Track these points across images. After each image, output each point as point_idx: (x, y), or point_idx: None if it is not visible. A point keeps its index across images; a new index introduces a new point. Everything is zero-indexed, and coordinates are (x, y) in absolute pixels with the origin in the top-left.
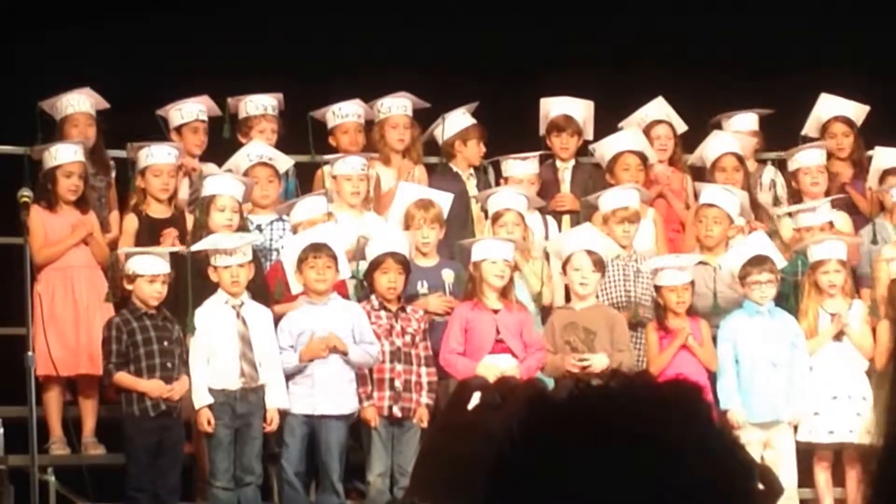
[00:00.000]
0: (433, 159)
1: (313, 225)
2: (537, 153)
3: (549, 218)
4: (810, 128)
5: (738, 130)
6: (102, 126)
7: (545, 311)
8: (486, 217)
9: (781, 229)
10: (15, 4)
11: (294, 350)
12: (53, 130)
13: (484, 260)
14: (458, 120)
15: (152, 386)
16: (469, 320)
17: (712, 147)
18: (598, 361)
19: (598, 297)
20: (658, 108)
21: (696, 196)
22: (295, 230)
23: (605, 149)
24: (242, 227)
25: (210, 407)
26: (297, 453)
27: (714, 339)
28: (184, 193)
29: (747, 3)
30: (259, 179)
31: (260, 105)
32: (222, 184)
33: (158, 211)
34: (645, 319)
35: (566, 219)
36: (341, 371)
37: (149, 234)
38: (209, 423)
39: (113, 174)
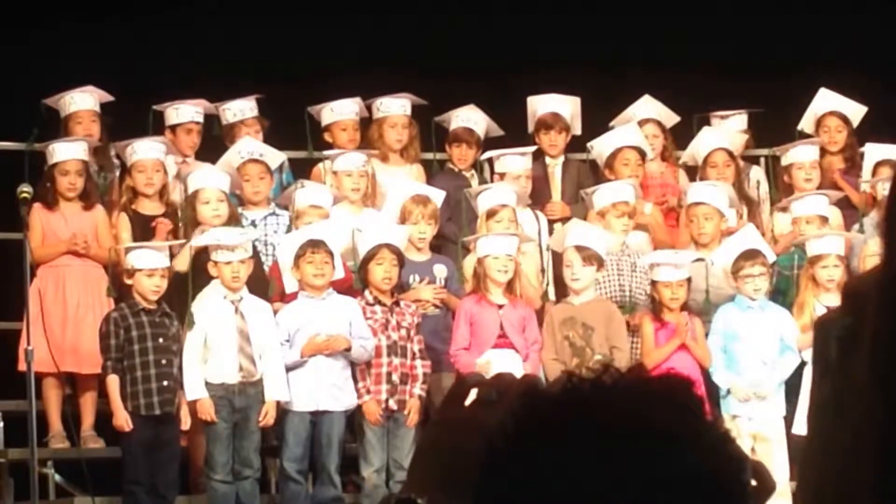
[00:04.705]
0: (438, 156)
1: (317, 212)
2: (531, 148)
3: (541, 214)
4: (806, 123)
5: (727, 130)
6: (107, 122)
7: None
8: (477, 214)
9: (773, 226)
10: (15, 3)
11: (290, 345)
12: (58, 126)
13: (487, 256)
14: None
15: (119, 413)
16: (473, 314)
17: (702, 143)
18: None
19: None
20: (645, 106)
21: None
22: (298, 217)
23: (604, 145)
24: (233, 217)
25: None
26: (299, 450)
27: (707, 334)
28: (177, 195)
29: (741, 2)
30: (251, 176)
31: (238, 111)
32: (205, 176)
33: (149, 208)
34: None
35: (558, 224)
36: (341, 367)
37: (142, 230)
38: (209, 415)
39: (117, 172)
